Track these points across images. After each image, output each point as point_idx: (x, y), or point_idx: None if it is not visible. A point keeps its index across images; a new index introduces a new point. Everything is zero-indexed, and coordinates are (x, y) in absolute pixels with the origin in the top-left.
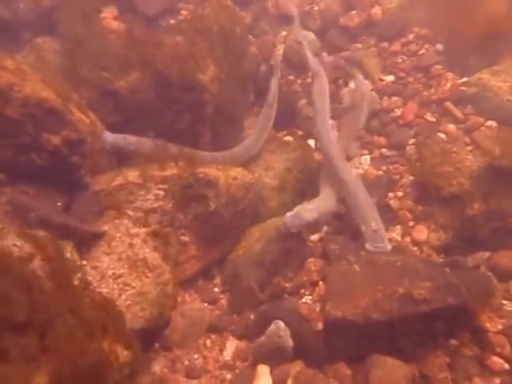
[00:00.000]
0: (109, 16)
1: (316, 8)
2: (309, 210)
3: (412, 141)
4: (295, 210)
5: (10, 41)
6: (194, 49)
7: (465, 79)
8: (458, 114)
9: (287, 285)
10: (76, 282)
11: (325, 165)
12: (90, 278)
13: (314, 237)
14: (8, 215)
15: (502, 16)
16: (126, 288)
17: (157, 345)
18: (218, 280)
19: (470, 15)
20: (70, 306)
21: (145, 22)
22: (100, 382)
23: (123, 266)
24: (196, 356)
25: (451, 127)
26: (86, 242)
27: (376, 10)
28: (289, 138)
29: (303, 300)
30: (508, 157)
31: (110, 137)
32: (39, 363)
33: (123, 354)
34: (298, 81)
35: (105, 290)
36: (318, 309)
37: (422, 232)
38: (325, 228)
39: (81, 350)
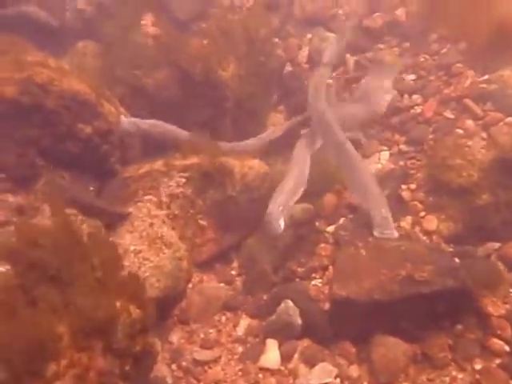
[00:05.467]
0: (148, 23)
1: (340, 11)
2: (273, 213)
3: (430, 137)
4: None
5: (56, 45)
6: (217, 48)
7: (486, 77)
8: (477, 110)
9: (299, 269)
10: None
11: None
12: None
13: (330, 228)
14: (45, 195)
15: None
16: (145, 262)
17: (175, 318)
18: (235, 264)
19: (487, 16)
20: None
21: (178, 27)
22: (110, 334)
23: (143, 243)
24: (211, 330)
25: (469, 123)
26: (114, 221)
27: (400, 12)
28: None
29: (313, 283)
30: None
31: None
32: (61, 316)
33: (135, 311)
34: None
35: (126, 264)
36: (326, 291)
37: (431, 222)
38: (342, 219)
39: (95, 305)
